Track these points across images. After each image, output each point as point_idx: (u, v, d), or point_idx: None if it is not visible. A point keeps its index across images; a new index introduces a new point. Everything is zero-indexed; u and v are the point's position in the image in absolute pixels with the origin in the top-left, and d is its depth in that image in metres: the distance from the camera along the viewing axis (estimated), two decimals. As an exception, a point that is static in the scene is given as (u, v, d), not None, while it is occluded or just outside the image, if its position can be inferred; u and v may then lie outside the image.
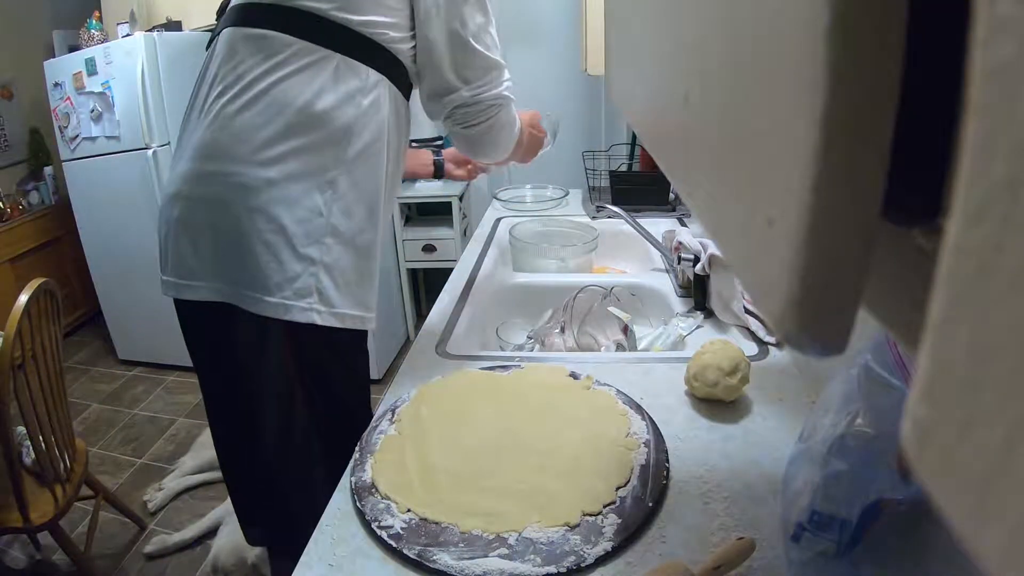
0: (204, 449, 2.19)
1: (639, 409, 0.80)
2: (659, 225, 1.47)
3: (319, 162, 0.84)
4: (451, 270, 1.37)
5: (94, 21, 2.76)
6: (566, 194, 1.86)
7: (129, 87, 2.46)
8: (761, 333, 0.99)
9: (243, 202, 0.83)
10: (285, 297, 0.85)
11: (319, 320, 0.87)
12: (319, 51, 0.83)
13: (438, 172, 1.47)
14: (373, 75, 0.86)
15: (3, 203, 2.98)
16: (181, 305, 0.95)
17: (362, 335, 0.98)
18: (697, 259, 1.09)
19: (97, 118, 2.57)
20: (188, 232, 0.88)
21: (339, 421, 0.98)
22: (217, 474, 2.10)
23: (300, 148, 0.83)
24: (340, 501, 0.69)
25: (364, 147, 0.87)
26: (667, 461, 0.71)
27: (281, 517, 1.05)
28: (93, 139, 2.62)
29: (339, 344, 0.94)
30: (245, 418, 0.97)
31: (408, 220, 2.97)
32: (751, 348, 0.96)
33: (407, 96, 0.95)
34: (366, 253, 0.91)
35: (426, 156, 1.45)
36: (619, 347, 1.09)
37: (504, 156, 1.05)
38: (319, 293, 0.86)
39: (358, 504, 0.67)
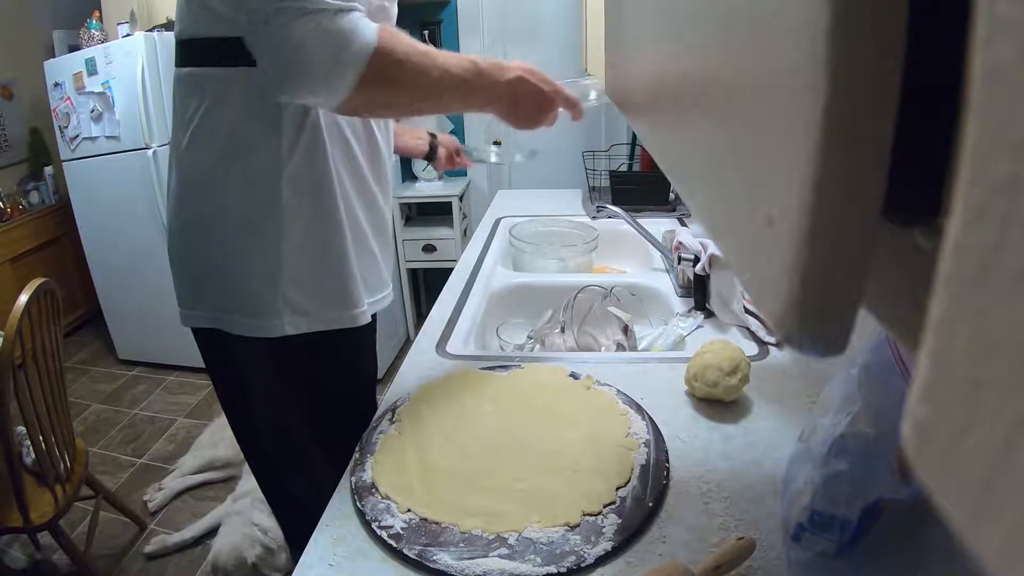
0: (204, 449, 2.19)
1: (639, 409, 0.80)
2: (659, 225, 1.47)
3: (257, 181, 0.81)
4: (451, 270, 1.37)
5: (94, 21, 2.75)
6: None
7: (129, 87, 2.46)
8: (761, 333, 0.99)
9: (204, 234, 0.86)
10: (256, 316, 0.86)
11: (292, 330, 0.86)
12: (217, 71, 0.78)
13: (431, 153, 1.38)
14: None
15: (3, 203, 2.97)
16: (193, 333, 0.96)
17: (354, 331, 0.94)
18: (697, 259, 1.09)
19: (97, 118, 2.57)
20: (175, 264, 0.92)
21: (346, 420, 0.96)
22: (217, 474, 2.11)
23: (238, 174, 0.82)
24: (340, 501, 0.69)
25: (298, 150, 0.81)
26: (667, 461, 0.71)
27: (297, 524, 1.06)
28: (93, 139, 2.62)
29: (326, 346, 0.92)
30: (251, 431, 1.00)
31: (408, 220, 2.97)
32: (751, 348, 0.96)
33: None
34: (331, 252, 0.87)
35: (422, 132, 1.38)
36: (619, 347, 1.09)
37: (365, 98, 0.74)
38: (290, 306, 0.86)
39: (358, 504, 0.67)
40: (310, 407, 0.95)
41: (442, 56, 0.77)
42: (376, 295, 0.99)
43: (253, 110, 0.79)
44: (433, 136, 1.38)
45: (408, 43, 0.74)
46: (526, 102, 0.86)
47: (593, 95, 1.04)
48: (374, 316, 1.02)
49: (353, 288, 0.91)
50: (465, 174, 3.05)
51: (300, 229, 0.84)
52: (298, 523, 1.04)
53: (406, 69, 0.74)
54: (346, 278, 0.90)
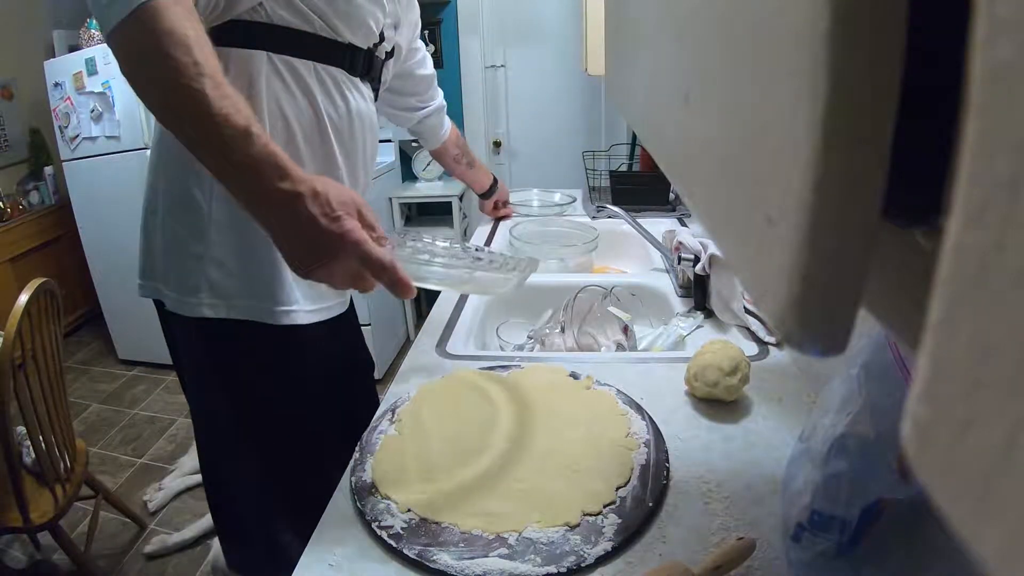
0: (204, 449, 2.19)
1: (639, 409, 0.80)
2: (659, 225, 1.47)
3: (187, 156, 0.71)
4: (451, 270, 1.36)
5: (94, 21, 2.75)
6: (574, 200, 1.79)
7: (129, 87, 2.46)
8: (761, 333, 0.99)
9: (153, 207, 0.89)
10: (181, 292, 0.86)
11: (210, 312, 0.85)
12: None
13: (488, 192, 1.61)
14: None
15: (3, 203, 2.97)
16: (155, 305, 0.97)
17: (294, 331, 0.88)
18: (697, 259, 1.09)
19: (97, 118, 2.57)
20: (140, 235, 0.93)
21: (277, 429, 0.91)
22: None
23: (177, 150, 0.75)
24: (340, 501, 0.69)
25: None
26: (667, 461, 0.71)
27: (229, 532, 1.06)
28: (93, 139, 2.62)
29: (252, 340, 0.88)
30: (191, 411, 1.02)
31: (408, 220, 2.97)
32: (751, 348, 0.96)
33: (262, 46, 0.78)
34: (258, 238, 0.80)
35: (489, 172, 1.61)
36: (619, 347, 1.09)
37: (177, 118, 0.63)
38: (210, 287, 0.85)
39: (358, 504, 0.67)
40: (240, 401, 0.93)
41: (215, 84, 0.60)
42: (323, 302, 0.92)
43: None
44: (496, 179, 1.61)
45: (187, 35, 0.60)
46: (296, 232, 0.62)
47: (507, 284, 0.72)
48: (339, 326, 0.97)
49: (281, 282, 0.86)
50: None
51: (225, 209, 0.83)
52: (227, 516, 1.04)
53: (159, 51, 0.59)
54: (274, 269, 0.86)
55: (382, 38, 0.91)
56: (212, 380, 0.92)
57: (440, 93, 1.35)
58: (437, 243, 0.76)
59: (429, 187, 2.89)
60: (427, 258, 0.63)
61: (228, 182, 0.63)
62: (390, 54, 0.97)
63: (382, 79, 0.98)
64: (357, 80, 0.90)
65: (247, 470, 0.95)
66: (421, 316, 3.05)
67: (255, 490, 0.87)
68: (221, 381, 0.92)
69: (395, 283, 0.62)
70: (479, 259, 0.69)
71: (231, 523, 1.05)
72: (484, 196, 1.64)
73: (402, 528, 0.63)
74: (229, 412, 0.93)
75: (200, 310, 0.85)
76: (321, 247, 0.61)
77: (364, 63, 0.89)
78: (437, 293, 1.22)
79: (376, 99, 0.99)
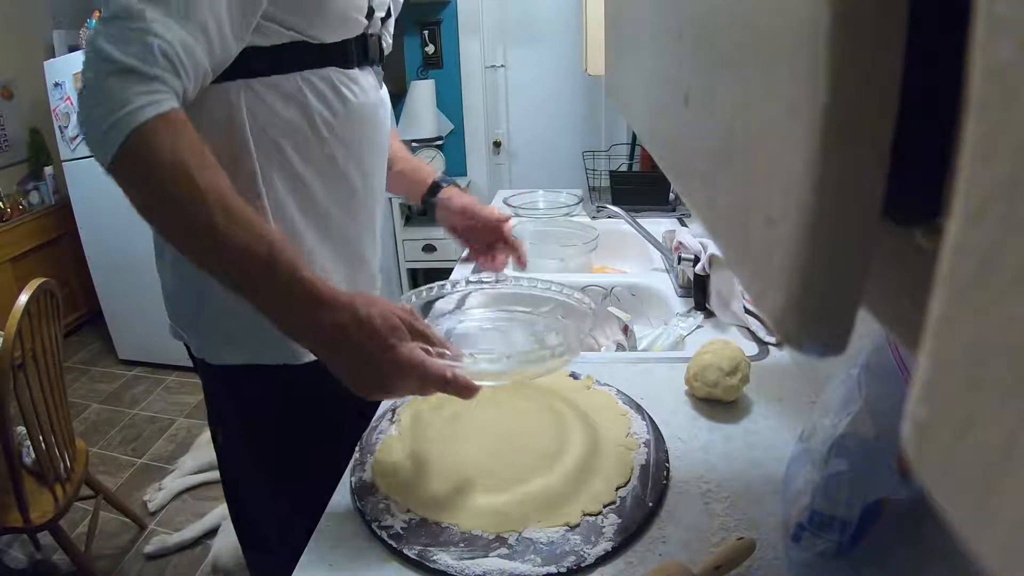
0: (204, 449, 2.18)
1: (639, 409, 0.80)
2: (659, 225, 1.47)
3: None
4: (451, 270, 1.36)
5: (94, 21, 2.76)
6: (580, 201, 1.75)
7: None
8: (761, 333, 0.99)
9: (157, 251, 0.85)
10: (201, 338, 0.83)
11: (232, 359, 0.81)
12: None
13: (426, 207, 1.08)
14: None
15: (3, 203, 2.97)
16: None
17: (303, 372, 0.79)
18: (697, 259, 1.09)
19: (97, 118, 2.57)
20: (159, 274, 0.89)
21: (311, 469, 0.79)
22: (217, 474, 2.10)
23: None
24: (340, 501, 0.69)
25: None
26: (667, 461, 0.71)
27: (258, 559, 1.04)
28: (93, 139, 2.61)
29: (282, 382, 0.82)
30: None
31: (408, 220, 2.97)
32: (751, 348, 0.96)
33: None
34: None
35: (426, 172, 1.08)
36: (619, 347, 1.09)
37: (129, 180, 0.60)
38: (228, 333, 0.80)
39: (358, 504, 0.67)
40: (273, 449, 0.88)
41: (225, 211, 0.57)
42: None
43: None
44: (439, 184, 1.10)
45: (185, 162, 0.56)
46: (347, 363, 0.60)
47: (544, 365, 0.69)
48: None
49: (239, 331, 0.79)
50: (465, 174, 3.05)
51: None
52: (259, 559, 1.01)
53: (161, 190, 0.57)
54: (217, 308, 0.78)
55: (371, 12, 0.78)
56: (244, 430, 0.88)
57: None
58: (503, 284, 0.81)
59: (429, 187, 2.88)
60: (472, 361, 0.63)
61: (261, 314, 0.59)
62: (388, 15, 0.85)
63: (383, 45, 0.86)
64: (354, 71, 0.79)
65: (282, 522, 0.89)
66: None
67: (291, 538, 0.74)
68: (253, 429, 0.87)
69: (460, 392, 0.61)
70: (526, 351, 0.67)
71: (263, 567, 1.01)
72: (423, 210, 1.11)
73: (402, 528, 0.63)
74: (263, 461, 0.88)
75: (223, 357, 0.81)
76: (378, 378, 0.60)
77: (357, 51, 0.78)
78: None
79: (382, 69, 0.87)
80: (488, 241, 1.07)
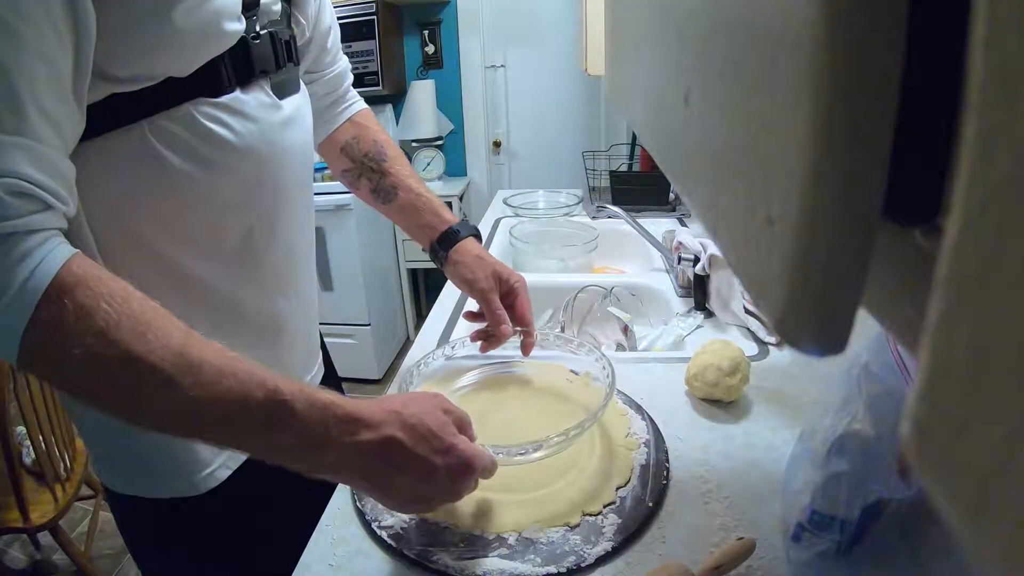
0: (204, 449, 2.18)
1: (639, 409, 0.80)
2: (659, 225, 1.47)
3: None
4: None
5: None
6: (580, 201, 1.75)
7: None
8: (761, 333, 0.99)
9: None
10: (100, 462, 0.69)
11: (132, 490, 0.67)
12: None
13: (434, 254, 0.88)
14: None
15: (3, 203, 2.97)
16: None
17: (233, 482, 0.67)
18: (697, 259, 1.09)
19: (97, 118, 2.56)
20: None
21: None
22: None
23: None
24: (340, 501, 0.69)
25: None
26: (667, 461, 0.71)
27: None
28: (93, 139, 2.61)
29: (191, 514, 0.67)
30: None
31: (408, 220, 2.96)
32: (751, 348, 0.96)
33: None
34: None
35: (435, 215, 0.88)
36: (619, 347, 1.09)
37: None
38: (115, 463, 0.67)
39: (358, 504, 0.67)
40: None
41: (188, 367, 0.43)
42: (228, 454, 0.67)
43: None
44: (462, 228, 0.89)
45: (103, 332, 0.41)
46: (404, 479, 0.50)
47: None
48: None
49: (181, 443, 0.63)
50: (465, 174, 3.05)
51: None
52: None
53: (76, 378, 0.42)
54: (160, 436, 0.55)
55: (252, 5, 0.59)
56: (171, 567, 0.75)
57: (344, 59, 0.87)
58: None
59: (429, 187, 2.88)
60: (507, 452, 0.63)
61: (284, 464, 0.47)
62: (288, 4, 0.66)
63: (289, 38, 0.65)
64: (233, 95, 0.58)
65: None
66: (421, 316, 3.05)
67: None
68: (183, 566, 0.73)
69: (495, 469, 0.57)
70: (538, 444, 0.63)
71: None
72: (433, 256, 0.89)
73: (402, 528, 0.63)
74: None
75: (122, 487, 0.67)
76: (441, 483, 0.51)
77: (235, 67, 0.57)
78: (437, 291, 1.22)
79: (295, 81, 0.67)
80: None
